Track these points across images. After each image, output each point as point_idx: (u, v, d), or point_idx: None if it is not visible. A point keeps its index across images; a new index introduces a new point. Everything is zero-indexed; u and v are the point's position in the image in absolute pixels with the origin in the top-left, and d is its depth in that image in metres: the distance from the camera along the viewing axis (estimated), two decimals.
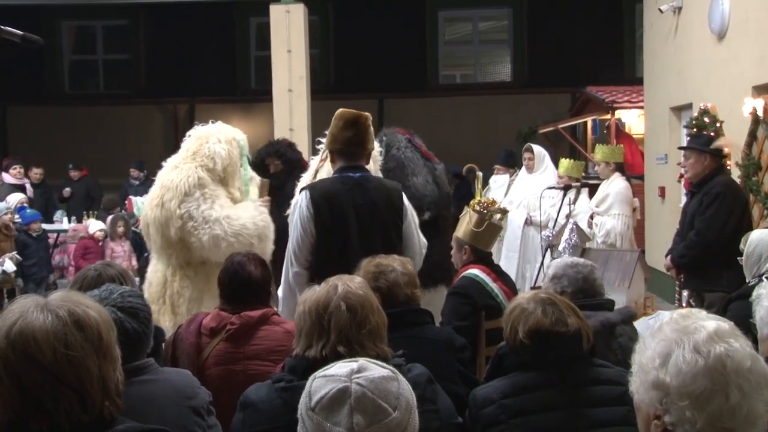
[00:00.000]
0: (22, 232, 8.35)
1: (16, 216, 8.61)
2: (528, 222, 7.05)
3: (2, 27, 2.52)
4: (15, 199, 9.08)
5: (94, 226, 9.07)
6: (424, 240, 3.78)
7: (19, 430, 1.49)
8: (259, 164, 5.70)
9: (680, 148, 5.64)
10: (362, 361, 1.63)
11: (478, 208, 4.17)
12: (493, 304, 3.89)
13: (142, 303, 2.27)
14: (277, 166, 5.77)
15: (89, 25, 15.56)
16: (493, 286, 3.94)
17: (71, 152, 12.49)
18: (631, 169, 10.20)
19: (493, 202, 4.29)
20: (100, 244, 8.86)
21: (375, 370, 1.60)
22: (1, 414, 1.50)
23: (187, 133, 4.74)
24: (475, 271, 3.99)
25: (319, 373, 1.61)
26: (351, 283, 2.23)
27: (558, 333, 2.34)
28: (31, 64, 13.84)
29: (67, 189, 11.33)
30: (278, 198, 5.30)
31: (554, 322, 2.35)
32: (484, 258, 4.12)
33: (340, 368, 1.60)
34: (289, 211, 4.18)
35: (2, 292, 7.98)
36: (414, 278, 2.98)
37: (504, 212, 4.26)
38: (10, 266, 7.26)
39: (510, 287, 4.05)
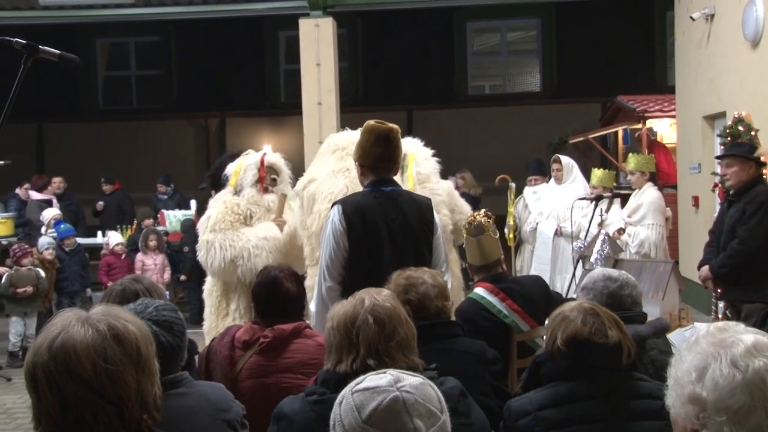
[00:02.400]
0: (57, 247, 8.48)
1: (51, 231, 8.77)
2: (558, 233, 7.00)
3: (41, 47, 2.58)
4: (50, 214, 9.23)
5: (114, 239, 9.13)
6: (454, 255, 3.78)
7: None
8: (214, 176, 5.62)
9: (722, 156, 5.54)
10: (394, 371, 1.63)
11: (466, 226, 4.07)
12: (498, 324, 3.72)
13: (176, 317, 2.30)
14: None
15: (122, 41, 15.85)
16: (501, 306, 3.75)
17: (105, 167, 12.70)
18: (667, 179, 10.08)
19: (473, 216, 4.06)
20: (123, 257, 8.93)
21: (411, 378, 1.61)
22: (43, 427, 1.52)
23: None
24: (480, 291, 3.83)
25: (355, 388, 1.59)
26: (378, 296, 2.24)
27: (596, 343, 2.32)
28: (66, 81, 14.13)
29: (100, 203, 11.47)
30: None
31: (593, 332, 2.33)
32: (490, 275, 3.91)
33: (377, 380, 1.59)
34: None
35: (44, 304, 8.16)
36: (444, 290, 2.99)
37: (489, 218, 4.05)
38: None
39: (521, 304, 3.79)
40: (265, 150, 5.21)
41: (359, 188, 3.80)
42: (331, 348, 2.22)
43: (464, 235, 4.00)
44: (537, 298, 3.92)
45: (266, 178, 4.99)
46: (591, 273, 3.25)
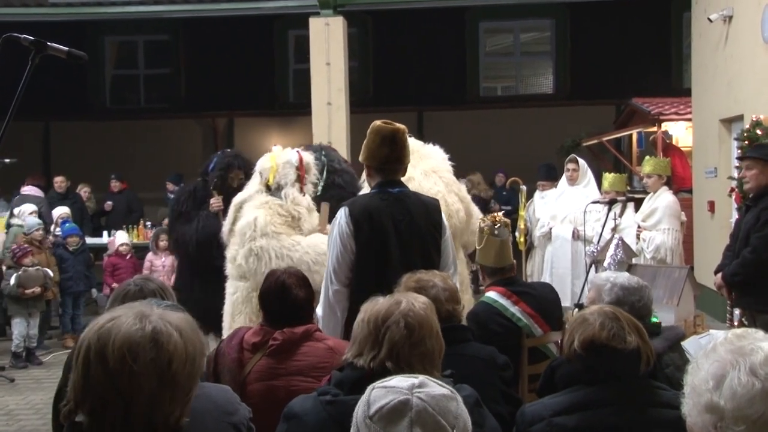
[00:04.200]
0: (60, 246, 8.50)
1: (58, 230, 8.80)
2: (575, 236, 6.98)
3: (49, 44, 2.59)
4: (58, 212, 9.27)
5: (119, 239, 9.14)
6: (462, 254, 3.79)
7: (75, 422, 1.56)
8: (223, 178, 5.59)
9: (743, 157, 5.48)
10: (423, 377, 1.64)
11: (481, 225, 4.07)
12: (512, 329, 3.73)
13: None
14: (241, 180, 5.54)
15: (131, 40, 15.91)
16: (514, 309, 3.76)
17: (112, 166, 12.75)
18: (682, 183, 10.04)
19: (492, 216, 4.11)
20: (129, 257, 8.95)
21: (435, 387, 1.61)
22: (67, 398, 1.57)
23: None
24: (492, 295, 3.83)
25: (379, 383, 1.62)
26: (416, 302, 2.25)
27: (613, 348, 2.31)
28: (73, 79, 14.19)
29: (109, 202, 11.52)
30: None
31: (611, 337, 2.32)
32: (503, 278, 3.92)
33: (400, 381, 1.62)
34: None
35: (48, 303, 8.19)
36: (455, 294, 2.99)
37: (504, 223, 4.05)
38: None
39: (535, 308, 3.81)
40: (275, 149, 5.20)
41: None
42: (356, 339, 2.23)
43: (484, 235, 3.98)
44: (549, 303, 3.94)
45: (305, 178, 5.00)
46: (601, 279, 3.16)
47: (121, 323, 1.55)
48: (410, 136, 5.55)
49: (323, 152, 5.81)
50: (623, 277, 3.17)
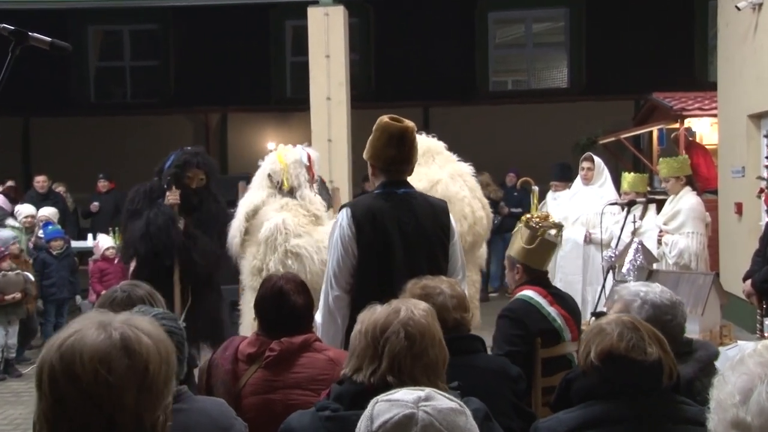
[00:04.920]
0: (42, 249, 8.48)
1: (40, 233, 8.79)
2: (587, 240, 6.97)
3: (30, 34, 2.59)
4: (43, 213, 9.21)
5: (104, 242, 9.08)
6: (482, 251, 3.84)
7: None
8: (178, 175, 5.40)
9: None
10: (429, 390, 1.64)
11: (531, 223, 4.13)
12: (549, 330, 3.84)
13: (175, 326, 2.31)
14: (201, 180, 5.45)
15: (116, 30, 15.97)
16: (550, 309, 3.88)
17: (97, 165, 12.79)
18: (707, 184, 10.01)
19: (547, 216, 4.24)
20: (116, 262, 8.93)
21: (442, 401, 1.61)
22: (39, 429, 1.55)
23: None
24: (529, 293, 3.93)
25: (382, 397, 1.62)
26: (415, 310, 2.23)
27: (632, 360, 2.31)
28: (55, 72, 14.22)
29: (95, 203, 11.52)
30: (199, 218, 5.37)
31: (630, 348, 2.32)
32: (539, 278, 4.06)
33: (405, 394, 1.62)
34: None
35: (28, 310, 8.18)
36: (464, 301, 2.99)
37: (559, 227, 4.19)
38: None
39: (570, 311, 3.98)
40: (270, 146, 5.25)
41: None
42: (353, 352, 2.22)
43: (537, 236, 4.03)
44: (576, 310, 4.01)
45: (314, 175, 5.06)
46: (629, 293, 3.09)
47: (84, 336, 1.53)
48: (433, 137, 5.71)
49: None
50: (654, 292, 3.07)
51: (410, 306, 2.25)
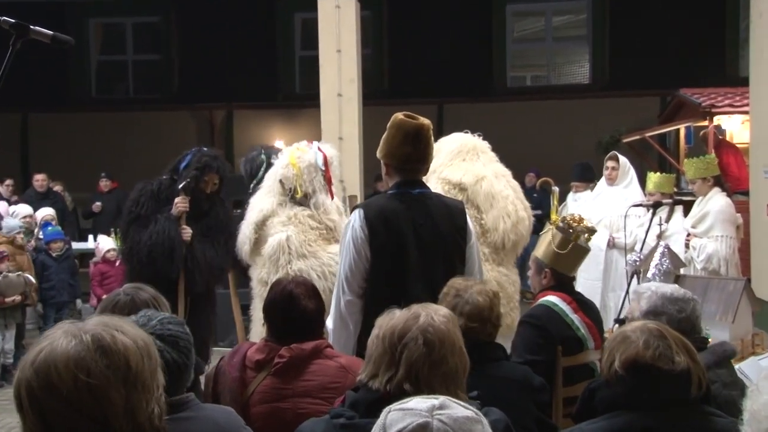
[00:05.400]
0: (42, 251, 8.53)
1: (40, 233, 8.83)
2: (610, 244, 6.95)
3: (32, 27, 2.61)
4: (41, 214, 9.28)
5: (105, 244, 9.13)
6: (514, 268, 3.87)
7: None
8: (196, 178, 5.25)
9: None
10: (444, 398, 1.64)
11: (562, 226, 4.13)
12: (571, 338, 3.85)
13: (183, 331, 2.31)
14: (214, 185, 5.38)
15: (118, 22, 16.04)
16: (574, 317, 3.90)
17: (97, 163, 12.85)
18: (737, 184, 9.95)
19: (580, 219, 4.23)
20: (118, 264, 8.96)
21: (458, 409, 1.61)
22: None
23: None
24: (553, 299, 3.95)
25: (395, 406, 1.63)
26: (435, 315, 2.24)
27: (659, 369, 2.30)
28: (54, 66, 14.30)
29: (98, 203, 11.55)
30: (208, 224, 5.28)
31: (657, 357, 2.31)
32: (565, 284, 4.08)
33: (419, 402, 1.62)
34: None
35: (23, 311, 8.22)
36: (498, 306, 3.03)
37: (591, 232, 4.20)
38: None
39: (593, 319, 3.99)
40: (278, 144, 5.22)
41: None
42: (370, 358, 2.23)
43: (571, 241, 4.05)
44: (599, 317, 4.00)
45: (332, 176, 5.02)
46: (650, 291, 3.20)
47: (55, 347, 1.55)
48: (479, 135, 5.83)
49: (262, 151, 5.82)
50: (669, 287, 3.19)
51: (430, 311, 2.25)
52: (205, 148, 5.58)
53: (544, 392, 2.99)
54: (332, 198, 5.03)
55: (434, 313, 2.25)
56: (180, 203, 5.22)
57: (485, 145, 5.68)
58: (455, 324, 2.29)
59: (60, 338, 1.56)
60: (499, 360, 2.95)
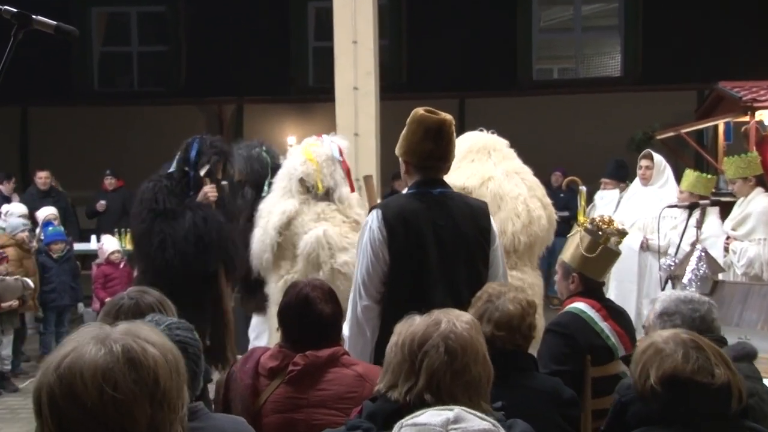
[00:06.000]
0: (42, 252, 8.58)
1: (42, 234, 8.87)
2: (644, 247, 6.93)
3: (34, 17, 2.63)
4: (44, 213, 9.32)
5: (109, 245, 9.19)
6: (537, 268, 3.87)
7: None
8: (216, 164, 5.38)
9: None
10: (458, 409, 1.64)
11: (590, 227, 4.12)
12: (601, 347, 3.85)
13: (192, 337, 2.33)
14: (223, 173, 5.60)
15: (122, 12, 16.13)
16: (603, 324, 3.90)
17: (100, 159, 12.93)
18: None
19: (610, 221, 4.23)
20: (122, 266, 9.00)
21: (474, 421, 1.62)
22: None
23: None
24: (581, 306, 3.95)
25: (408, 420, 1.63)
26: (458, 322, 2.25)
27: (700, 384, 2.29)
28: (55, 57, 14.35)
29: (102, 202, 11.58)
30: (224, 213, 5.37)
31: (696, 370, 2.31)
32: (593, 290, 4.08)
33: (432, 416, 1.62)
34: None
35: (23, 318, 8.29)
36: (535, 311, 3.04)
37: (622, 234, 4.19)
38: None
39: (624, 327, 3.99)
40: (290, 141, 5.25)
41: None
42: (388, 367, 2.24)
43: (600, 244, 4.05)
44: (630, 325, 3.99)
45: (349, 170, 5.10)
46: (665, 295, 3.32)
47: (82, 354, 1.54)
48: (493, 132, 5.83)
49: (264, 148, 5.82)
50: (684, 292, 3.28)
51: (452, 317, 2.26)
52: (206, 136, 5.64)
53: (574, 406, 2.99)
54: (353, 190, 5.03)
55: (456, 320, 2.25)
56: (210, 192, 5.30)
57: (499, 143, 5.64)
58: (478, 330, 2.30)
59: (88, 345, 1.55)
60: (527, 370, 2.95)
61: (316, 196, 5.04)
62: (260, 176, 5.93)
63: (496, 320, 2.97)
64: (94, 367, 1.53)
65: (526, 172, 5.55)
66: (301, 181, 5.10)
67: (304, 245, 4.92)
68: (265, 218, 5.23)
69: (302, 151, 5.19)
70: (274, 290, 5.16)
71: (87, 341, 1.57)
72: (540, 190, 5.55)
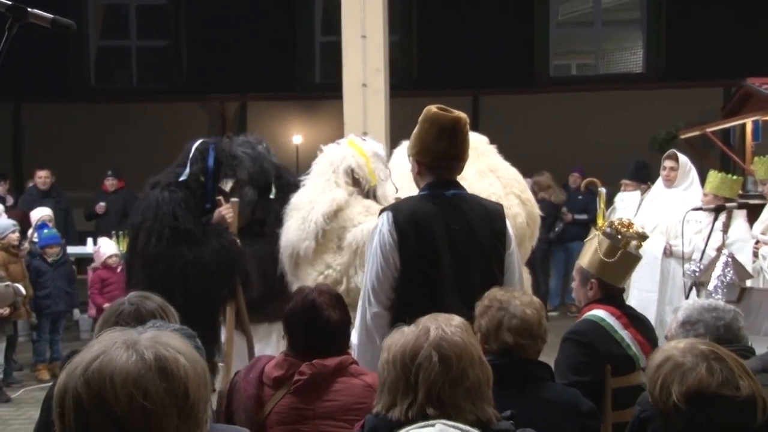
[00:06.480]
0: (36, 256, 8.58)
1: (35, 236, 8.87)
2: (667, 252, 6.91)
3: (30, 10, 2.64)
4: (39, 214, 9.30)
5: (106, 248, 9.16)
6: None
7: None
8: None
9: None
10: (440, 425, 1.63)
11: (609, 231, 4.12)
12: (621, 356, 3.85)
13: (195, 345, 2.34)
14: None
15: (121, 4, 16.18)
16: (623, 333, 3.89)
17: (98, 158, 12.96)
18: None
19: (630, 224, 4.23)
20: (119, 270, 8.98)
21: None
22: None
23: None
24: (600, 313, 3.95)
25: None
26: (447, 327, 2.24)
27: (725, 398, 2.29)
28: (50, 52, 14.38)
29: (102, 204, 11.58)
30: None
31: (721, 383, 2.30)
32: (613, 296, 4.07)
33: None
34: None
35: (15, 325, 8.31)
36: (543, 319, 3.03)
37: (642, 237, 4.19)
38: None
39: (646, 336, 3.99)
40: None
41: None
42: (383, 386, 2.24)
43: (620, 248, 4.06)
44: (653, 334, 3.99)
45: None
46: (687, 303, 3.32)
47: (112, 359, 1.54)
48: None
49: (264, 145, 5.80)
50: (707, 301, 3.28)
51: (440, 323, 2.26)
52: (218, 140, 5.62)
53: (593, 418, 2.98)
54: (397, 190, 5.05)
55: (445, 325, 2.25)
56: (227, 213, 5.27)
57: (476, 140, 5.42)
58: (470, 332, 2.30)
59: (118, 349, 1.56)
60: (544, 380, 2.95)
61: (362, 191, 5.06)
62: (268, 176, 5.89)
63: (516, 328, 2.94)
64: (125, 373, 1.53)
65: (503, 168, 5.43)
66: (350, 172, 5.10)
67: (354, 237, 4.90)
68: (305, 209, 5.19)
69: (348, 144, 5.20)
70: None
71: (117, 346, 1.58)
72: (519, 185, 5.42)
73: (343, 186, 5.08)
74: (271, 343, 5.51)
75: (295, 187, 5.47)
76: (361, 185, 5.09)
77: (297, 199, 5.30)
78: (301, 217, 5.13)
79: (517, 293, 3.11)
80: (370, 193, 5.13)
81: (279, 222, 5.30)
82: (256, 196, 5.52)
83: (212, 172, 5.38)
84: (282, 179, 5.65)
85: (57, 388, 1.58)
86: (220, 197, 5.39)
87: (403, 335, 2.26)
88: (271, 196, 5.50)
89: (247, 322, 5.30)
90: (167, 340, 1.63)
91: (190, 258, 5.15)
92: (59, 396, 1.56)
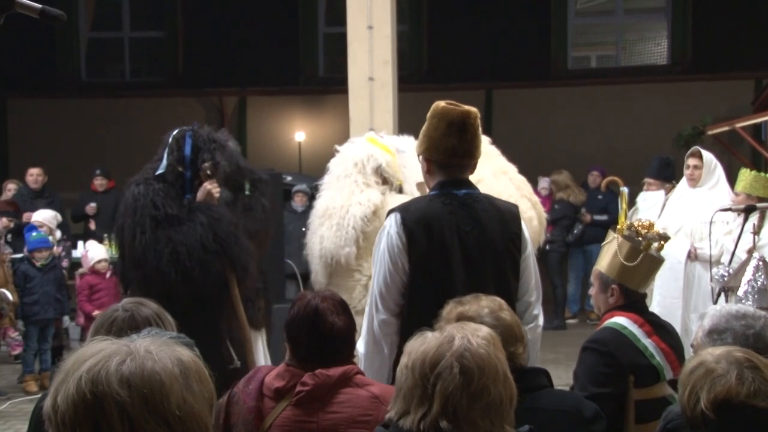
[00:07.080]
0: (25, 260, 8.60)
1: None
2: (692, 256, 6.90)
3: (17, 0, 2.65)
4: (37, 217, 9.28)
5: (95, 252, 9.15)
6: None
7: None
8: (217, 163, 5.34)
9: None
10: None
11: (629, 233, 4.12)
12: (645, 366, 3.84)
13: (195, 354, 2.35)
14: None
15: None
16: (647, 342, 3.88)
17: (88, 156, 13.00)
18: None
19: (650, 224, 4.23)
20: (108, 276, 8.98)
21: None
22: None
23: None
24: (622, 321, 3.94)
25: None
26: (473, 338, 2.24)
27: (756, 408, 2.29)
28: (37, 44, 14.43)
29: (92, 204, 11.56)
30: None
31: (752, 393, 2.31)
32: (635, 302, 4.06)
33: None
34: None
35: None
36: (513, 331, 2.94)
37: (664, 239, 4.18)
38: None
39: (671, 344, 3.97)
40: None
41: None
42: (399, 392, 2.24)
43: (641, 251, 4.06)
44: (679, 343, 3.99)
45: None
46: (714, 310, 3.31)
47: (152, 362, 1.56)
48: None
49: (233, 142, 5.82)
50: (736, 306, 3.29)
51: (467, 333, 2.25)
52: (197, 127, 5.58)
53: (598, 422, 2.96)
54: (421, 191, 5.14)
55: (471, 335, 2.24)
56: (213, 188, 5.20)
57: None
58: (498, 346, 2.29)
59: (149, 353, 1.57)
60: (541, 388, 2.95)
61: (392, 189, 5.09)
62: (243, 174, 5.82)
63: (501, 337, 2.93)
64: (172, 377, 1.56)
65: (513, 170, 5.62)
66: (380, 169, 5.12)
67: None
68: (338, 214, 5.17)
69: (370, 142, 5.22)
70: (357, 295, 5.13)
71: (151, 349, 1.59)
72: (527, 188, 5.60)
73: (374, 185, 5.10)
74: (258, 351, 5.49)
75: (266, 183, 5.47)
76: (390, 183, 5.12)
77: (325, 205, 5.30)
78: (336, 224, 5.13)
79: (477, 299, 3.01)
80: (395, 191, 5.17)
81: (267, 222, 5.31)
82: (232, 196, 5.50)
83: (190, 161, 5.28)
84: (255, 175, 5.60)
85: (75, 402, 1.54)
86: (211, 174, 5.29)
87: (426, 341, 2.26)
88: (246, 193, 5.48)
89: (242, 315, 5.25)
90: (177, 347, 1.66)
91: (179, 239, 5.03)
92: (97, 405, 1.53)
